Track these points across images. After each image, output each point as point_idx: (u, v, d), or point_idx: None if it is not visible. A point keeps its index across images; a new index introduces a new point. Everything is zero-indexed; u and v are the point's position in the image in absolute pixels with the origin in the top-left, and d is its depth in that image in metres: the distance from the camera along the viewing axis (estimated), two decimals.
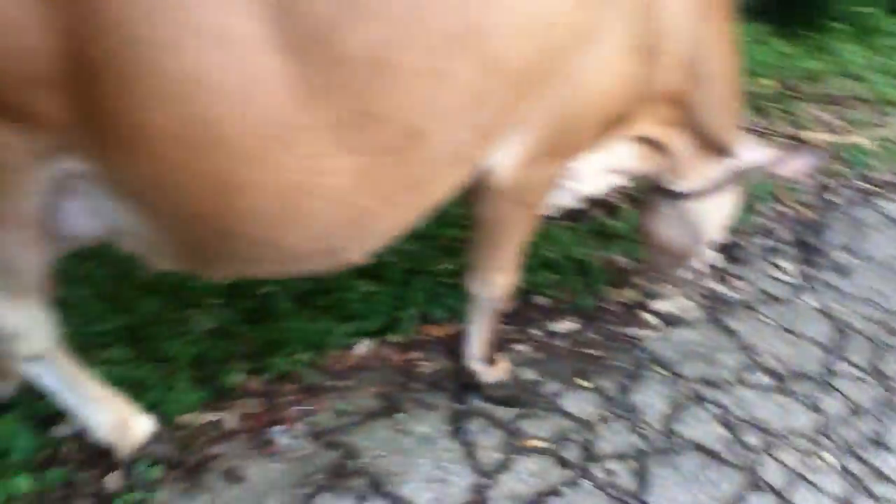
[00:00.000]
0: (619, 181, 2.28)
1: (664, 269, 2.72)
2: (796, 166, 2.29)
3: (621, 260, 3.14)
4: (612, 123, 1.89)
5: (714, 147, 2.22)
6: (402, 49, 1.33)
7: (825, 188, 3.81)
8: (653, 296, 2.98)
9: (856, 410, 2.61)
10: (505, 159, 1.75)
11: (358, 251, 1.68)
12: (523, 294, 2.81)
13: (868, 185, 3.94)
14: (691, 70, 1.97)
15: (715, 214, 2.44)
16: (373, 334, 2.55)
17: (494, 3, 1.42)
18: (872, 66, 5.05)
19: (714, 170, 2.30)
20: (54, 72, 1.22)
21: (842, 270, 3.32)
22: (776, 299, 3.10)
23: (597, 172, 2.14)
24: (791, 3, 5.55)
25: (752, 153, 2.31)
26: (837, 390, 2.68)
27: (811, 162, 2.32)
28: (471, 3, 1.39)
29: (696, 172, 2.29)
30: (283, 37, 1.24)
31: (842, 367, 2.79)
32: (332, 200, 1.46)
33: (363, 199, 1.50)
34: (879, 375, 2.77)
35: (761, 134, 3.99)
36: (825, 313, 3.06)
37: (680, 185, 2.33)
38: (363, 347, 2.52)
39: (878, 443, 2.49)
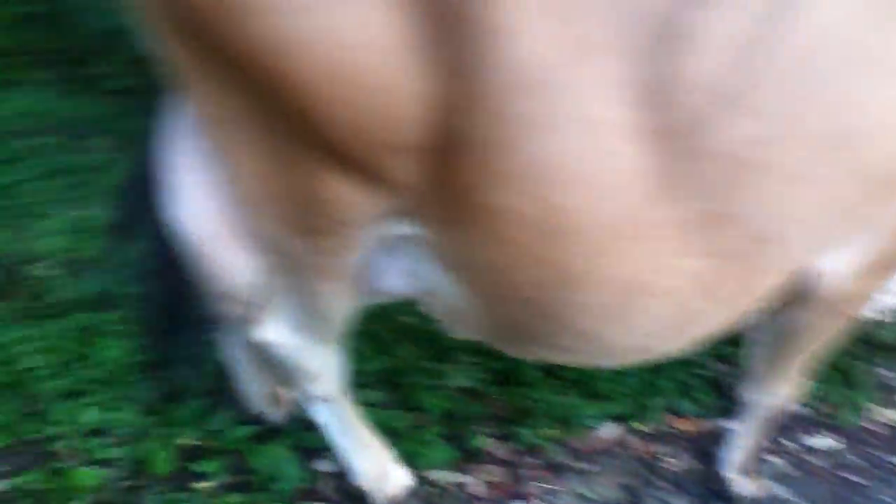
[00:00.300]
0: None
1: None
2: None
3: (888, 374, 2.85)
4: None
5: None
6: (770, 149, 1.21)
7: None
8: None
9: None
10: (839, 266, 1.57)
11: (671, 350, 1.60)
12: None
13: None
14: None
15: None
16: (617, 418, 2.48)
17: (875, 105, 1.24)
18: None
19: None
20: (422, 140, 1.21)
21: None
22: None
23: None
24: None
25: None
26: None
27: None
28: (852, 104, 1.22)
29: None
30: (651, 125, 1.16)
31: None
32: (666, 301, 1.39)
33: (697, 302, 1.41)
34: None
35: None
36: None
37: None
38: (608, 431, 2.45)
39: None
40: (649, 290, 1.37)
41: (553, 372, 2.56)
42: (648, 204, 1.23)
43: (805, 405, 2.66)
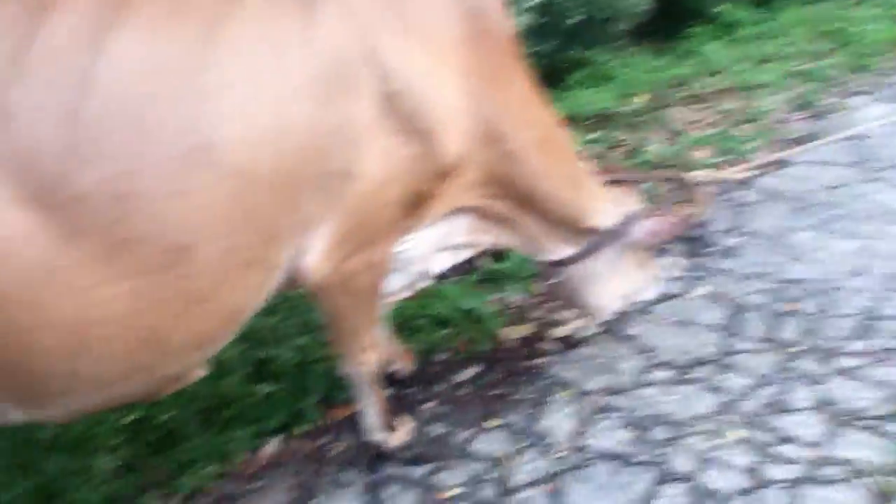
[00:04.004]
0: (466, 254, 2.39)
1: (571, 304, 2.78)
2: (671, 229, 2.40)
3: (516, 298, 3.25)
4: (414, 206, 1.93)
5: (566, 217, 2.28)
6: (139, 177, 1.42)
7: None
8: (552, 324, 3.08)
9: (756, 383, 2.68)
10: (308, 256, 1.81)
11: (172, 367, 1.70)
12: (423, 354, 2.90)
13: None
14: (489, 143, 2.00)
15: (603, 281, 2.47)
16: (279, 431, 2.62)
17: (227, 117, 1.50)
18: (733, 58, 5.32)
19: (581, 239, 2.35)
20: None
21: (729, 252, 3.44)
22: (670, 297, 3.20)
23: (434, 249, 2.23)
24: (655, 20, 5.87)
25: (614, 219, 2.35)
26: (735, 368, 2.76)
27: (683, 224, 2.45)
28: (202, 121, 1.47)
29: (564, 241, 2.36)
30: (19, 193, 1.34)
31: (740, 344, 2.88)
32: (116, 325, 1.51)
33: (146, 319, 1.54)
34: (775, 343, 2.85)
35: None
36: (718, 297, 3.16)
37: (550, 255, 2.40)
38: (270, 447, 2.58)
39: (781, 408, 2.56)
40: (94, 320, 1.48)
41: (210, 417, 2.65)
42: (56, 251, 1.39)
43: (446, 350, 2.98)
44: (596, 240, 2.34)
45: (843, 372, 2.64)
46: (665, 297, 3.19)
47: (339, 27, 1.64)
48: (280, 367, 2.77)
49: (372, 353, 2.24)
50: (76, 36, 1.39)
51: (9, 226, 1.36)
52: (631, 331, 3.01)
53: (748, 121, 4.50)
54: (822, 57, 5.15)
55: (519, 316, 3.15)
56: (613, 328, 3.03)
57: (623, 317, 3.08)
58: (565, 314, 3.06)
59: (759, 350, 2.83)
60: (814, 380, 2.63)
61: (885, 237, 3.33)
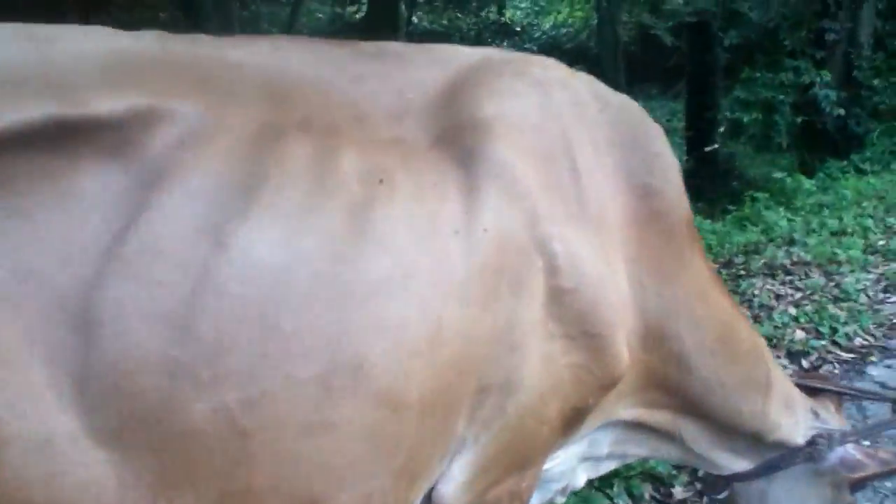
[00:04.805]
0: (610, 465, 1.91)
1: None
2: (882, 465, 1.80)
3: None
4: (572, 423, 1.54)
5: (743, 428, 1.80)
6: (266, 407, 1.04)
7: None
8: None
9: None
10: (444, 486, 1.43)
11: None
12: None
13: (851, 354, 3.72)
14: (653, 344, 1.59)
15: None
16: None
17: (376, 328, 1.12)
18: (799, 228, 5.08)
19: (761, 453, 1.85)
20: None
21: None
22: None
23: (577, 462, 1.77)
24: (711, 181, 5.72)
25: (806, 436, 1.83)
26: None
27: None
28: (345, 334, 1.08)
29: (738, 454, 1.87)
30: (104, 422, 0.96)
31: None
32: None
33: None
34: None
35: None
36: None
37: (718, 470, 1.90)
38: None
39: None
40: None
41: None
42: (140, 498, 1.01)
43: None
44: (778, 457, 1.83)
45: None
46: None
47: (507, 212, 1.27)
48: None
49: None
50: (191, 224, 1.02)
51: (81, 471, 0.96)
52: None
53: (839, 299, 4.16)
54: None
55: None
56: None
57: None
58: None
59: None
60: None
61: None
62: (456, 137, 1.24)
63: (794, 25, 8.21)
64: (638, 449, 1.86)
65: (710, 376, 1.69)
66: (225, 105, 1.08)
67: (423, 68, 1.34)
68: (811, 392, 1.89)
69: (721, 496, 1.97)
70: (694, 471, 2.85)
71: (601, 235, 1.42)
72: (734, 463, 1.87)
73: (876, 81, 7.75)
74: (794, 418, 1.83)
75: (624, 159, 1.47)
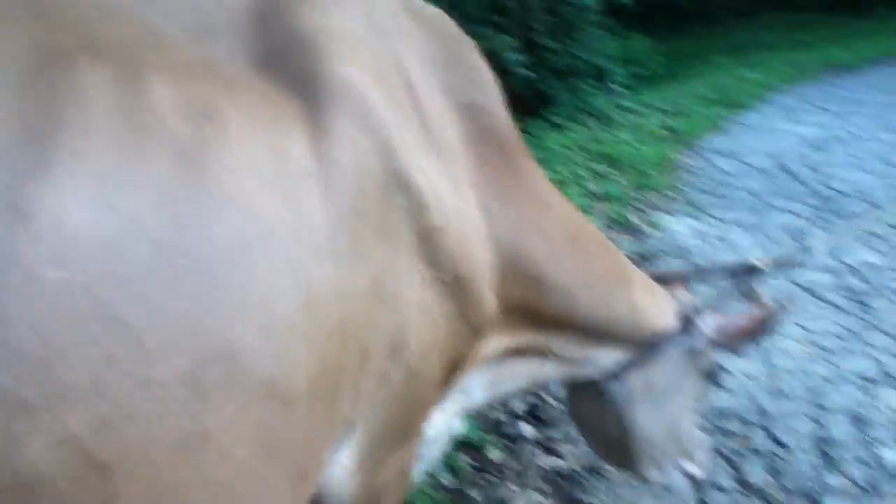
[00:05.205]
0: (506, 393, 1.72)
1: (616, 464, 2.10)
2: (744, 328, 1.84)
3: None
4: (451, 376, 1.36)
5: (617, 323, 1.71)
6: (122, 431, 0.78)
7: None
8: None
9: None
10: (333, 478, 1.21)
11: None
12: None
13: None
14: (509, 270, 1.42)
15: (651, 401, 1.86)
16: None
17: (240, 307, 0.88)
18: None
19: (627, 348, 1.79)
20: None
21: None
22: None
23: (454, 418, 1.61)
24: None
25: (673, 318, 1.82)
26: None
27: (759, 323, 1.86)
28: (211, 318, 0.84)
29: (616, 351, 1.78)
30: None
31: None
32: None
33: None
34: None
35: None
36: None
37: (599, 373, 1.79)
38: None
39: None
40: None
41: None
42: None
43: None
44: (658, 341, 1.79)
45: None
46: None
47: (362, 146, 1.04)
48: None
49: None
50: None
51: None
52: (585, 497, 2.55)
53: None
54: (610, 177, 5.41)
55: None
56: (569, 497, 2.55)
57: (567, 481, 2.63)
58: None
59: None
60: None
61: None
62: (282, 58, 1.01)
63: None
64: (514, 383, 1.74)
65: (571, 282, 1.57)
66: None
67: None
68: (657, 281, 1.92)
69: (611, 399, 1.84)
70: (505, 433, 2.83)
71: (449, 164, 1.24)
72: (613, 358, 1.78)
73: (552, 42, 8.48)
74: (659, 302, 1.81)
75: (448, 77, 1.31)
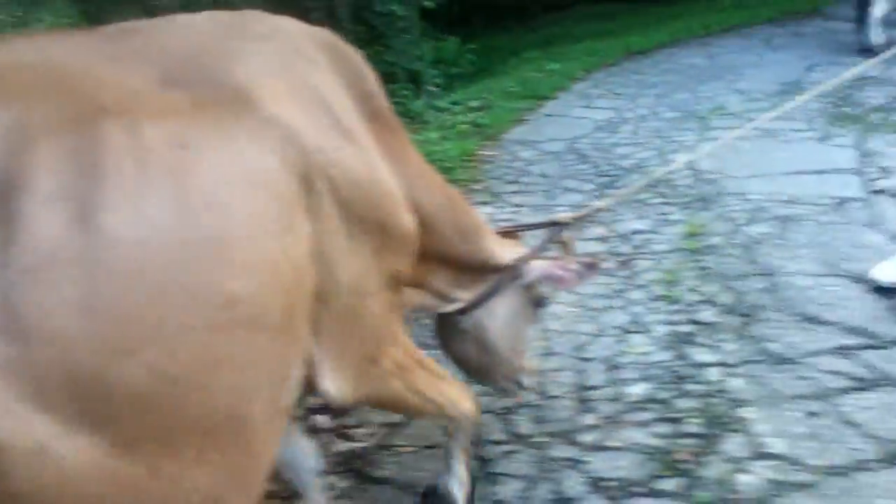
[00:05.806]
0: None
1: (484, 382, 2.66)
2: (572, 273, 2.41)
3: None
4: (395, 288, 1.86)
5: (476, 262, 2.29)
6: (182, 356, 1.23)
7: None
8: None
9: None
10: (325, 380, 1.69)
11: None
12: None
13: None
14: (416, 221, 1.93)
15: (499, 326, 2.45)
16: None
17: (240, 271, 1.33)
18: None
19: (481, 285, 2.37)
20: None
21: None
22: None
23: None
24: None
25: (511, 258, 2.38)
26: None
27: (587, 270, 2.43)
28: (220, 280, 1.29)
29: (466, 292, 2.36)
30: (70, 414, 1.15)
31: None
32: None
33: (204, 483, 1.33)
34: None
35: None
36: None
37: (457, 304, 2.36)
38: None
39: None
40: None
41: None
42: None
43: None
44: (500, 278, 2.38)
45: None
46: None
47: (289, 154, 1.48)
48: None
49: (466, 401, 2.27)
50: (64, 218, 1.16)
51: (69, 464, 1.12)
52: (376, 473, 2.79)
53: None
54: None
55: None
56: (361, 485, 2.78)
57: (362, 460, 2.87)
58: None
59: None
60: None
61: None
62: (225, 102, 1.43)
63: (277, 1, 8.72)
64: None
65: (451, 231, 2.18)
66: (29, 102, 1.17)
67: (166, 38, 1.51)
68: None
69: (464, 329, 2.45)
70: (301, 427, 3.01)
71: (358, 143, 1.70)
72: (470, 293, 2.39)
73: (366, 51, 8.73)
74: (502, 247, 2.42)
75: (346, 77, 1.77)
